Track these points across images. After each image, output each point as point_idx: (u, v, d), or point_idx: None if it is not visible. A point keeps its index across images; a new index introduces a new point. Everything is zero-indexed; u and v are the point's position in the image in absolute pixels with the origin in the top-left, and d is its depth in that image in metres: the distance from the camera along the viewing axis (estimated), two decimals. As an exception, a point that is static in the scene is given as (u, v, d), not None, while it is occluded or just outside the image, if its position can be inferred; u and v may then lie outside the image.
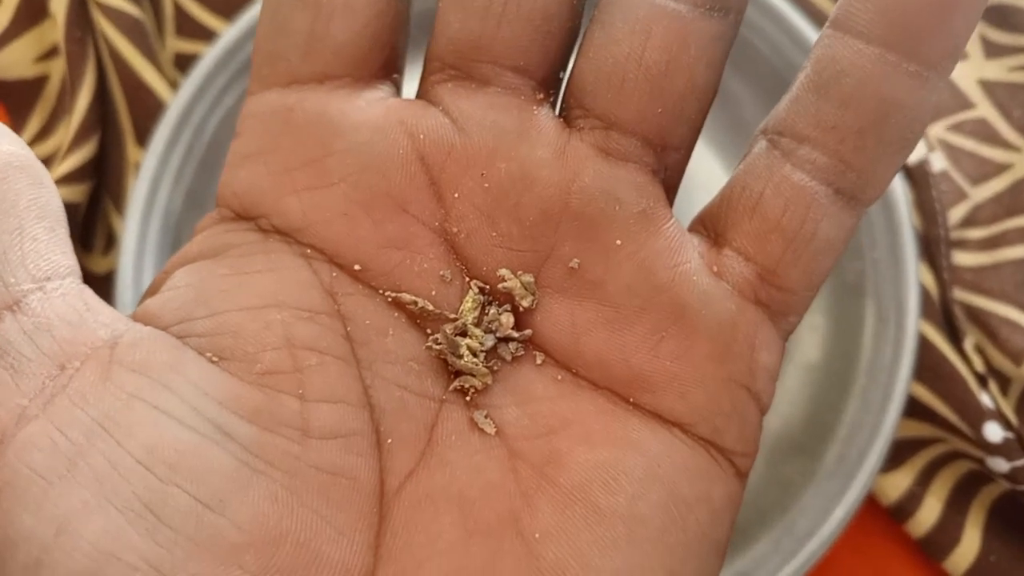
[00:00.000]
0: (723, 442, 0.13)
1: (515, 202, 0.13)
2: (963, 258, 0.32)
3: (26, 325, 0.11)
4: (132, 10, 0.33)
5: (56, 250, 0.12)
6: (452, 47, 0.13)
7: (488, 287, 0.13)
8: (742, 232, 0.13)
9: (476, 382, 0.13)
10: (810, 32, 0.30)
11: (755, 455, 0.14)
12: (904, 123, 0.12)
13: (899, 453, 0.30)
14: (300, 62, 0.13)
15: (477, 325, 0.13)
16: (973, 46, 0.34)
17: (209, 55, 0.31)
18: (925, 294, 0.31)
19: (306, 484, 0.12)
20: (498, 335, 0.13)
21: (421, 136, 0.13)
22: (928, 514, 0.30)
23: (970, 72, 0.34)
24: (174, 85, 0.33)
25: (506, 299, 0.13)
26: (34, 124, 0.34)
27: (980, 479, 0.30)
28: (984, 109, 0.33)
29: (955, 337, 0.31)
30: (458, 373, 0.13)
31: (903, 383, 0.28)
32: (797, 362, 0.32)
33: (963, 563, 0.29)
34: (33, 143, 0.34)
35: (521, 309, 0.13)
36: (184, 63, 0.35)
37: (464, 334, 0.13)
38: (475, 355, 0.13)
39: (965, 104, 0.33)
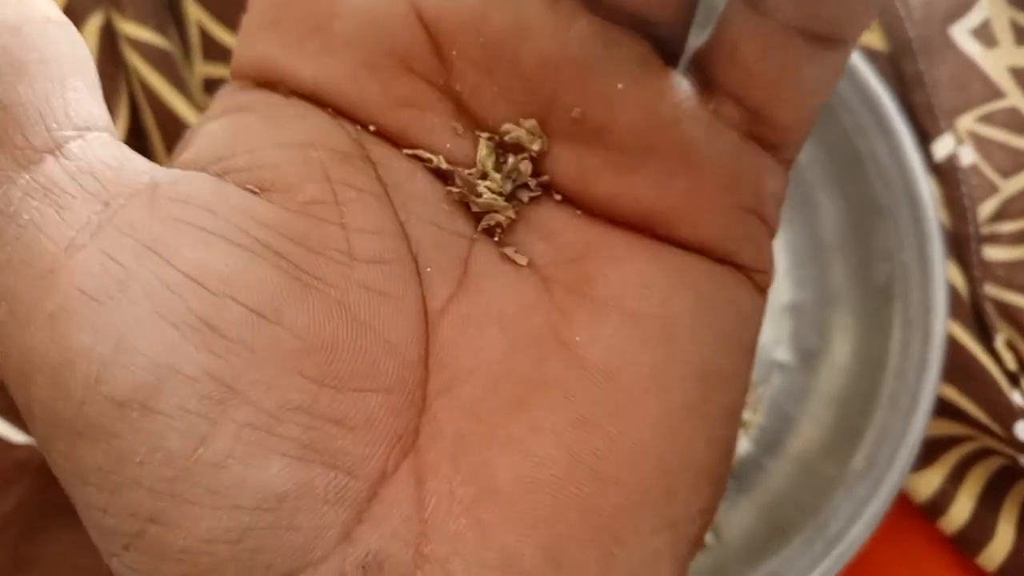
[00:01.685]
0: (740, 260, 0.14)
1: (512, 54, 0.13)
2: (994, 253, 0.32)
3: (69, 168, 0.11)
4: (160, 42, 0.33)
5: (94, 103, 0.12)
6: None
7: (499, 138, 0.14)
8: (728, 79, 0.13)
9: (500, 217, 0.13)
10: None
11: (772, 274, 0.15)
12: None
13: (930, 451, 0.31)
14: None
15: (497, 171, 0.14)
16: (1003, 32, 0.34)
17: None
18: (955, 293, 0.31)
19: (356, 300, 0.12)
20: (516, 182, 0.14)
21: None
22: (960, 511, 0.30)
23: (1000, 59, 0.33)
24: (204, 110, 0.34)
25: (517, 151, 0.14)
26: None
27: (1013, 475, 0.30)
28: (1015, 98, 0.33)
29: (985, 335, 0.31)
30: (481, 216, 0.14)
31: (932, 385, 0.28)
32: (827, 364, 0.32)
33: (997, 558, 0.30)
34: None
35: (532, 155, 0.14)
36: (213, 87, 0.35)
37: (484, 177, 0.14)
38: (498, 198, 0.13)
39: (996, 93, 0.33)
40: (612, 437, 0.12)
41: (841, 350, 0.32)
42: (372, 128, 0.13)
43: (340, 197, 0.13)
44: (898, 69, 0.33)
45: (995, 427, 0.29)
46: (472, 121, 0.14)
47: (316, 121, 0.13)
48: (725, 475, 0.14)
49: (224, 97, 0.14)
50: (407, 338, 0.13)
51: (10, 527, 0.31)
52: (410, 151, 0.13)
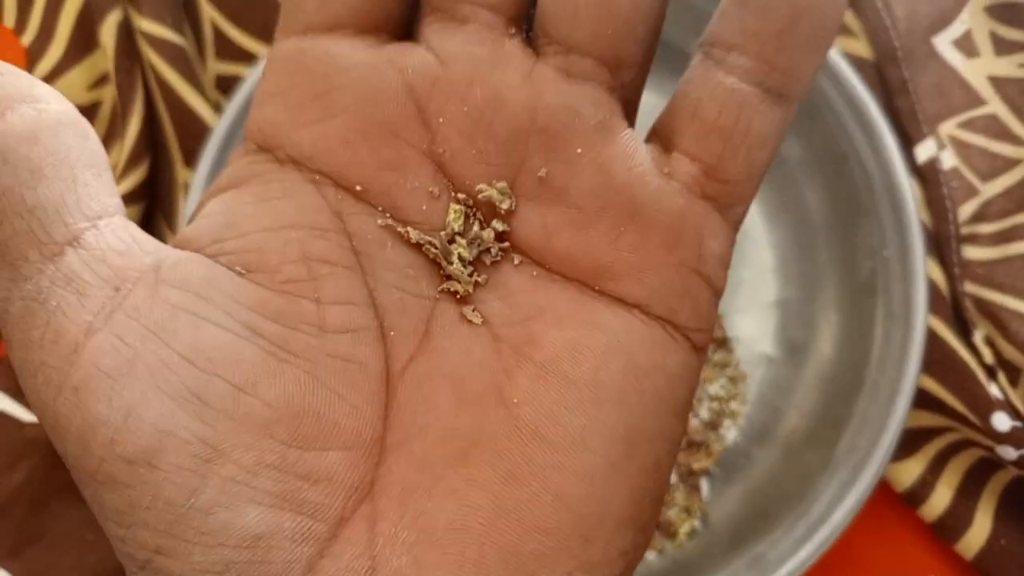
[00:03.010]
0: (677, 319, 0.15)
1: (490, 122, 0.15)
2: (974, 253, 0.33)
3: (85, 257, 0.14)
4: (175, 38, 0.35)
5: (104, 192, 0.14)
6: None
7: (471, 200, 0.16)
8: (686, 136, 0.15)
9: (460, 288, 0.15)
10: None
11: (710, 331, 0.16)
12: (816, 23, 0.14)
13: (911, 442, 0.32)
14: (315, 13, 0.16)
15: (462, 236, 0.15)
16: (984, 43, 0.35)
17: (250, 78, 0.33)
18: (935, 290, 0.32)
19: (324, 369, 0.14)
20: (480, 248, 0.15)
21: (409, 70, 0.15)
22: (940, 499, 0.31)
23: (980, 69, 0.35)
24: (217, 106, 0.35)
25: (487, 208, 0.16)
26: (89, 148, 0.36)
27: (991, 466, 0.31)
28: (994, 105, 0.34)
29: (965, 331, 0.32)
30: (448, 277, 0.16)
31: (912, 376, 0.29)
32: (813, 356, 0.33)
33: (975, 545, 0.31)
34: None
35: (501, 211, 0.15)
36: (225, 84, 0.37)
37: (453, 240, 0.15)
38: (463, 263, 0.15)
39: (976, 101, 0.34)
40: (535, 491, 0.14)
41: (826, 343, 0.33)
42: (358, 188, 0.15)
43: (314, 273, 0.15)
44: (883, 76, 0.35)
45: (973, 418, 0.30)
46: (450, 181, 0.15)
47: (301, 199, 0.15)
48: (651, 520, 0.15)
49: (234, 161, 0.16)
50: (368, 400, 0.15)
51: (19, 502, 0.32)
52: (383, 222, 0.15)
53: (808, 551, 0.29)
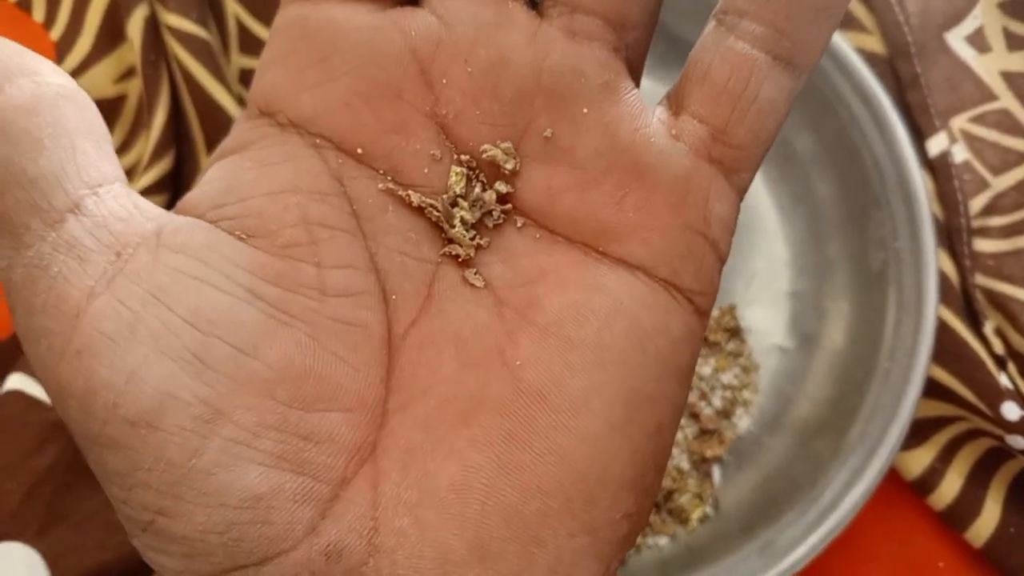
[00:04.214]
0: (681, 282, 0.15)
1: (494, 83, 0.15)
2: (984, 245, 0.33)
3: (86, 224, 0.14)
4: (200, 32, 0.35)
5: (104, 161, 0.14)
6: None
7: (474, 162, 0.15)
8: (695, 99, 0.15)
9: (462, 251, 0.15)
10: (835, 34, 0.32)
11: (713, 295, 0.16)
12: None
13: (921, 431, 0.32)
14: None
15: (464, 198, 0.15)
16: (996, 39, 0.35)
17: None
18: (946, 281, 0.32)
19: (325, 332, 0.14)
20: (482, 211, 0.15)
21: (412, 32, 0.15)
22: (949, 488, 0.31)
23: (993, 64, 0.35)
24: (240, 99, 0.36)
25: (490, 170, 0.15)
26: (115, 139, 0.37)
27: (1000, 456, 0.32)
28: (1007, 100, 0.35)
29: (975, 322, 0.32)
30: (449, 240, 0.16)
31: (922, 366, 0.30)
32: (825, 346, 0.33)
33: (984, 533, 0.31)
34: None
35: (506, 172, 0.15)
36: (248, 78, 0.37)
37: (455, 204, 0.15)
38: (465, 226, 0.15)
39: (988, 96, 0.35)
40: (538, 452, 0.14)
41: (838, 333, 0.33)
42: (359, 151, 0.15)
43: (315, 237, 0.15)
44: (895, 71, 0.35)
45: (983, 407, 0.30)
46: (453, 143, 0.16)
47: (301, 162, 0.15)
48: (653, 485, 0.15)
49: (237, 126, 0.16)
50: (370, 362, 0.15)
51: (45, 483, 0.33)
52: (384, 186, 0.15)
53: (818, 537, 0.29)
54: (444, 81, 0.15)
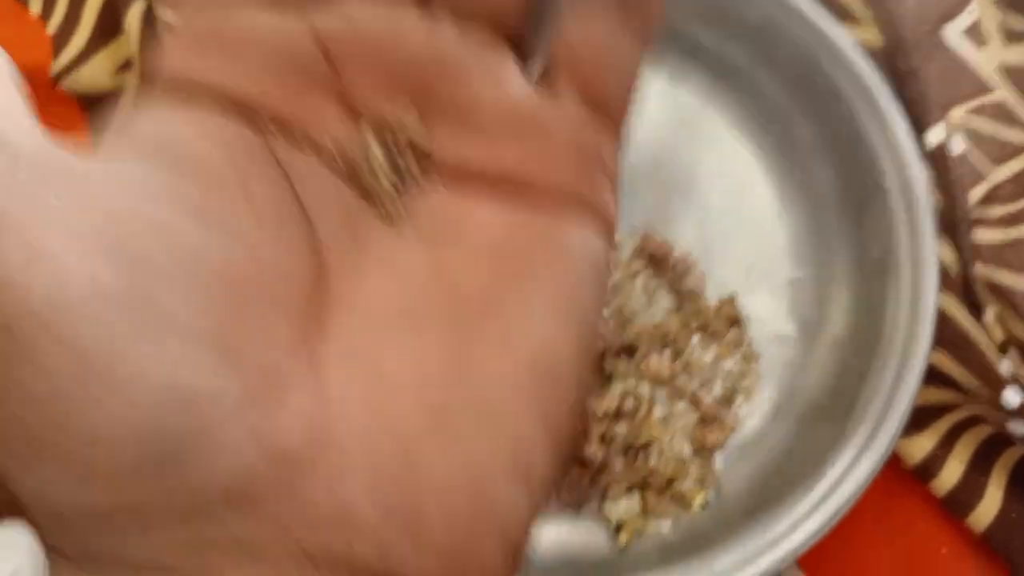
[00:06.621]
0: (592, 200, 0.17)
1: (393, 57, 0.16)
2: (983, 235, 0.33)
3: None
4: (202, 23, 0.35)
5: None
6: None
7: (388, 131, 0.16)
8: (562, 58, 0.17)
9: (391, 209, 0.16)
10: (833, 27, 0.32)
11: (615, 223, 0.18)
12: None
13: (922, 418, 0.32)
14: None
15: (382, 162, 0.16)
16: (993, 32, 0.36)
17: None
18: (946, 270, 0.33)
19: (255, 237, 0.14)
20: (399, 175, 0.16)
21: (314, 21, 0.16)
22: (951, 474, 0.32)
23: (991, 57, 0.35)
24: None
25: (402, 137, 0.17)
26: (115, 130, 0.37)
27: (1002, 442, 0.32)
28: (1004, 93, 0.35)
29: (976, 310, 0.32)
30: (373, 200, 0.16)
31: (923, 353, 0.30)
32: (825, 335, 0.34)
33: (985, 519, 0.31)
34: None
35: (415, 139, 0.16)
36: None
37: (372, 170, 0.16)
38: (387, 186, 0.16)
39: (985, 88, 0.35)
40: (490, 347, 0.15)
41: (838, 321, 0.33)
42: (270, 122, 0.15)
43: (242, 174, 0.15)
44: (893, 65, 0.36)
45: (984, 393, 0.31)
46: (362, 113, 0.16)
47: (218, 119, 0.15)
48: (589, 388, 0.16)
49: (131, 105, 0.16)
50: (304, 265, 0.15)
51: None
52: (311, 143, 0.16)
53: (819, 522, 0.29)
54: (347, 58, 0.16)
